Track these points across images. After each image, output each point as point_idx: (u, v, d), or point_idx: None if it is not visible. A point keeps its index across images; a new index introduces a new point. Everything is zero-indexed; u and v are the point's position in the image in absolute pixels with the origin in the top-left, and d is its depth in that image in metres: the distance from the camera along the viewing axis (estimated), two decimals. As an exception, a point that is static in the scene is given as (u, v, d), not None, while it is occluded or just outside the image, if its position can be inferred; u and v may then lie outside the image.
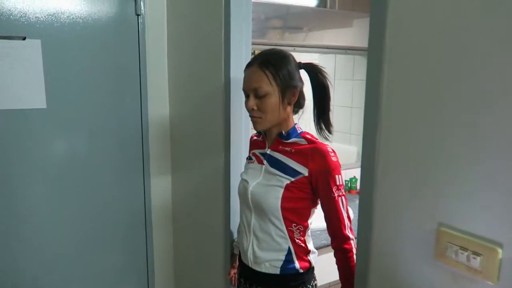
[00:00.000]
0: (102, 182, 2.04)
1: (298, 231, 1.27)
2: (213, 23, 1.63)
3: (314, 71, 1.30)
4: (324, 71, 1.31)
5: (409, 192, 0.89)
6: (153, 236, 2.22)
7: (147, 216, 2.18)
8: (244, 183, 1.34)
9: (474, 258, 0.76)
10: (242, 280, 1.42)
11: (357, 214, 1.04)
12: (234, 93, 1.58)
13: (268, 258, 1.28)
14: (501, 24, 0.71)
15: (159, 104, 2.15)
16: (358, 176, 2.87)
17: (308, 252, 1.31)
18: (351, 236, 1.23)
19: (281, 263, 1.27)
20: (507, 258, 0.72)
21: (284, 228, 1.25)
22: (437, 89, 0.82)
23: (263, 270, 1.30)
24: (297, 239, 1.27)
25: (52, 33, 1.80)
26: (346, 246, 1.22)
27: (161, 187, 2.22)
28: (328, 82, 1.31)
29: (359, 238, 1.03)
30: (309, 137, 1.28)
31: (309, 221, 1.30)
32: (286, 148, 1.27)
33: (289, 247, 1.26)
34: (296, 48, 2.52)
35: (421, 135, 0.86)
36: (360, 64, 2.95)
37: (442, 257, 0.83)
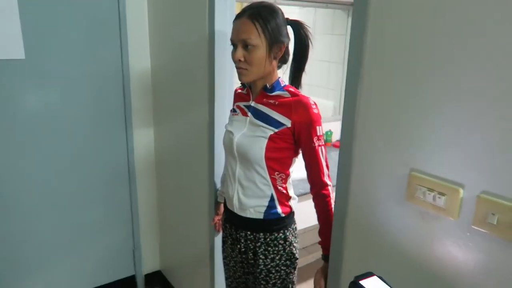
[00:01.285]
0: (84, 134, 2.05)
1: (280, 179, 1.34)
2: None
3: (300, 29, 1.33)
4: (309, 31, 1.34)
5: (385, 142, 0.98)
6: (137, 186, 2.29)
7: (130, 167, 2.24)
8: (229, 134, 1.38)
9: (439, 197, 0.87)
10: (227, 225, 1.51)
11: (335, 164, 1.13)
12: (219, 45, 1.60)
13: (252, 204, 1.36)
14: (477, -14, 0.77)
15: (140, 56, 2.13)
16: (333, 129, 2.98)
17: (289, 198, 1.39)
18: (329, 182, 1.32)
19: (264, 208, 1.35)
20: (467, 197, 0.83)
21: (267, 176, 1.32)
22: (417, 47, 0.88)
23: (248, 216, 1.38)
24: (279, 186, 1.35)
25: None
26: (325, 191, 1.31)
27: (143, 138, 2.26)
28: (310, 43, 1.34)
29: (338, 183, 1.13)
30: (292, 90, 1.33)
31: (290, 170, 1.37)
32: (270, 101, 1.32)
33: (272, 194, 1.34)
34: (277, 1, 2.50)
35: (398, 91, 0.93)
36: (340, 19, 2.96)
37: (412, 198, 0.93)
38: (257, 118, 1.32)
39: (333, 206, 1.25)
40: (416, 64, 0.89)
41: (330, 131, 2.99)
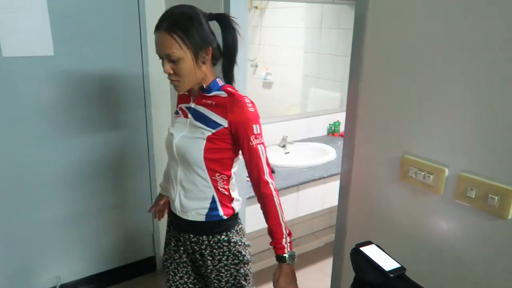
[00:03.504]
0: (108, 126, 2.22)
1: (221, 180, 1.31)
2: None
3: (226, 23, 1.27)
4: (235, 23, 1.27)
5: (382, 130, 1.14)
6: (156, 177, 2.45)
7: (150, 157, 2.39)
8: (170, 136, 1.36)
9: (428, 176, 1.02)
10: (171, 227, 1.47)
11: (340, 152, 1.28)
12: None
13: (194, 207, 1.33)
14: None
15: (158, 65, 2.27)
16: (341, 120, 3.12)
17: (231, 199, 1.36)
18: (270, 180, 1.25)
19: (206, 210, 1.33)
20: (450, 175, 0.98)
21: (208, 177, 1.29)
22: (410, 45, 1.03)
23: (190, 218, 1.35)
24: (220, 187, 1.32)
25: (56, -17, 1.88)
26: (267, 191, 1.25)
27: (163, 129, 2.41)
28: (238, 35, 1.28)
29: (343, 166, 1.29)
30: (230, 89, 1.29)
31: (232, 171, 1.35)
32: (208, 101, 1.28)
33: (213, 196, 1.32)
34: (287, -2, 2.62)
35: (393, 84, 1.08)
36: (346, 13, 3.07)
37: (405, 177, 1.09)
38: (196, 120, 1.30)
39: (278, 203, 1.25)
40: (408, 61, 1.03)
41: (338, 121, 3.12)
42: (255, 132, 1.23)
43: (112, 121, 2.23)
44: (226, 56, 1.30)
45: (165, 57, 1.20)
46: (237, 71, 1.32)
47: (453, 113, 0.95)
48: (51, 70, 1.97)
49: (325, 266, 2.70)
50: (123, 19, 2.12)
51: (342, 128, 3.15)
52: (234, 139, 1.26)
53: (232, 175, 1.35)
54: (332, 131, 3.11)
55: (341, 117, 3.11)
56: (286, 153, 2.68)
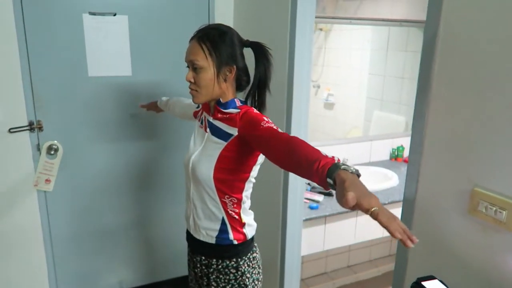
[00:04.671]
0: (178, 143, 2.34)
1: (231, 203, 1.29)
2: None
3: (260, 52, 1.28)
4: (269, 54, 1.29)
5: (451, 159, 1.09)
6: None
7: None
8: (188, 153, 1.37)
9: (500, 212, 0.96)
10: (189, 248, 1.47)
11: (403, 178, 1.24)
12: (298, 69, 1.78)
13: (204, 226, 1.33)
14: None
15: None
16: (405, 145, 3.01)
17: (243, 224, 1.32)
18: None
19: (216, 232, 1.31)
20: (526, 212, 0.91)
21: (217, 198, 1.28)
22: (484, 70, 0.98)
23: (201, 238, 1.34)
24: (230, 210, 1.29)
25: (137, 10, 2.06)
26: (290, 137, 1.04)
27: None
28: (271, 67, 1.29)
29: (406, 193, 1.25)
30: (244, 106, 1.29)
31: (244, 194, 1.31)
32: (224, 116, 1.28)
33: (223, 218, 1.30)
34: (352, 21, 2.63)
35: (464, 112, 1.04)
36: (414, 36, 3.00)
37: (474, 211, 1.03)
38: (213, 134, 1.30)
39: None
40: (481, 87, 0.99)
41: (402, 146, 3.02)
42: (265, 119, 1.16)
43: (177, 136, 2.35)
44: (256, 83, 1.30)
45: (190, 63, 1.25)
46: (269, 98, 1.33)
47: (530, 146, 0.89)
48: (128, 88, 2.14)
49: (383, 297, 2.58)
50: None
51: (406, 153, 3.03)
52: (244, 146, 1.21)
53: (244, 199, 1.32)
54: (395, 156, 3.01)
55: (405, 141, 3.00)
56: (346, 176, 2.63)
